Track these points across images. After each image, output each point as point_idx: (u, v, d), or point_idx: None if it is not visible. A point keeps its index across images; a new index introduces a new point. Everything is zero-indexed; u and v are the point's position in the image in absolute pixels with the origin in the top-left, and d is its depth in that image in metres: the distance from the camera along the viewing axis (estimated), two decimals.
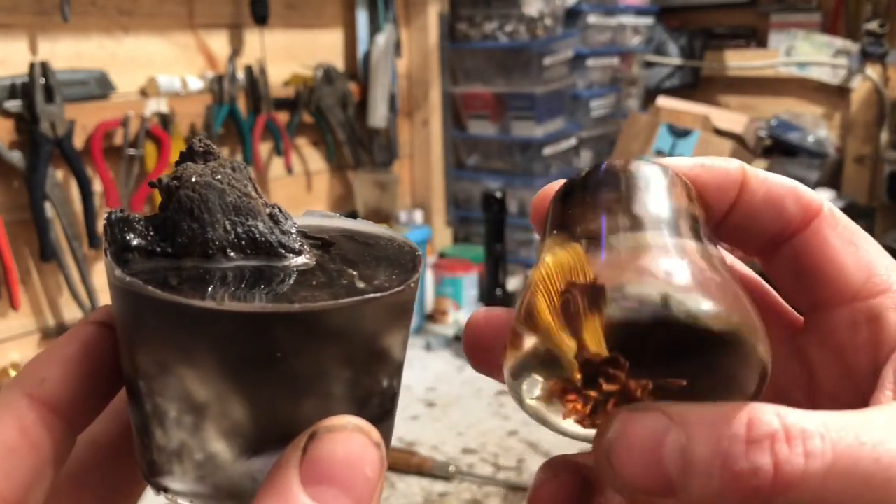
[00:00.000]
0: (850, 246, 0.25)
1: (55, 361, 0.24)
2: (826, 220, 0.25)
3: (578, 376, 0.23)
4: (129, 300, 0.23)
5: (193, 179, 0.24)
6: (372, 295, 0.23)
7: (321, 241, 0.28)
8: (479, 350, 0.28)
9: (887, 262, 0.25)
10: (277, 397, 0.23)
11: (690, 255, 0.24)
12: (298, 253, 0.26)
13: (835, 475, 0.20)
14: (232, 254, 0.25)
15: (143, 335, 0.23)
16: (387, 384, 0.25)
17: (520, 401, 0.25)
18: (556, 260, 0.25)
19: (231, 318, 0.22)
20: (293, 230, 0.26)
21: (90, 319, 0.25)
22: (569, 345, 0.23)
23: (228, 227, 0.25)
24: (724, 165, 0.27)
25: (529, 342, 0.24)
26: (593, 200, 0.26)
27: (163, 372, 0.23)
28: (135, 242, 0.24)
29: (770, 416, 0.21)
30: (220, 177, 0.25)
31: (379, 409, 0.25)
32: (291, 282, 0.25)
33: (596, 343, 0.23)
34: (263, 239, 0.25)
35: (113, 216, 0.24)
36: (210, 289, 0.23)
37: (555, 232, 0.26)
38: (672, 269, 0.23)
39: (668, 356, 0.23)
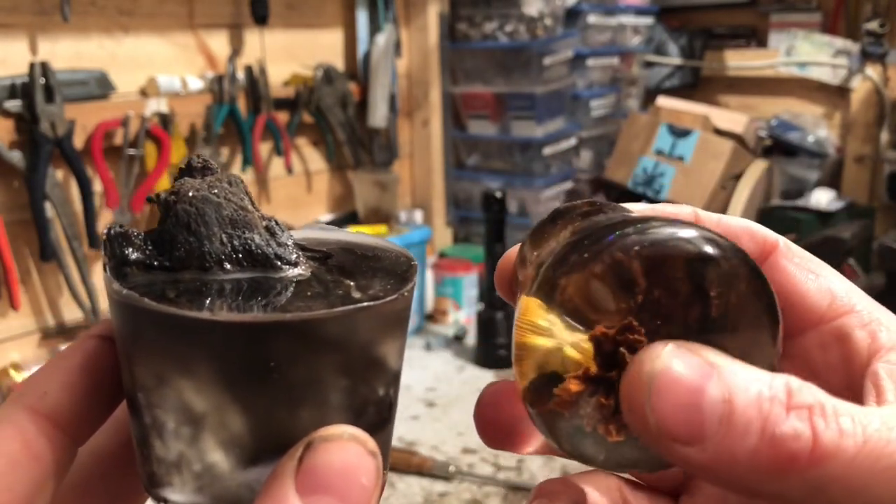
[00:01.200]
0: (809, 274, 0.26)
1: (57, 374, 0.25)
2: (783, 253, 0.27)
3: (593, 366, 0.23)
4: (127, 313, 0.23)
5: (190, 194, 0.25)
6: (365, 304, 0.23)
7: (319, 254, 0.28)
8: (493, 427, 0.28)
9: (846, 285, 0.26)
10: (273, 407, 0.23)
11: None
12: (295, 264, 0.26)
13: (864, 455, 0.20)
14: (229, 266, 0.25)
15: (140, 347, 0.23)
16: (383, 393, 0.25)
17: (552, 435, 0.25)
18: (524, 303, 0.24)
19: (225, 328, 0.22)
20: (289, 242, 0.27)
21: (92, 333, 0.26)
22: (575, 333, 0.23)
23: (225, 239, 0.25)
24: (674, 210, 0.28)
25: (536, 360, 0.24)
26: (547, 233, 0.27)
27: (161, 384, 0.23)
28: (133, 256, 0.24)
29: (806, 387, 0.21)
30: (216, 191, 0.25)
31: (376, 417, 0.25)
32: (288, 293, 0.25)
33: (609, 310, 0.23)
34: (260, 251, 0.25)
35: (112, 231, 0.24)
36: (207, 300, 0.24)
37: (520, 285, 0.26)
38: (673, 227, 0.23)
39: (680, 318, 0.23)
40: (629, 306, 0.23)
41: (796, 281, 0.26)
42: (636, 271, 0.23)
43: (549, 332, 0.23)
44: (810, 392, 0.21)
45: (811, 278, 0.26)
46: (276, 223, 0.26)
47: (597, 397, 0.23)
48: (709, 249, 0.23)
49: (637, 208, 0.28)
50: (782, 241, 0.27)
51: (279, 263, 0.26)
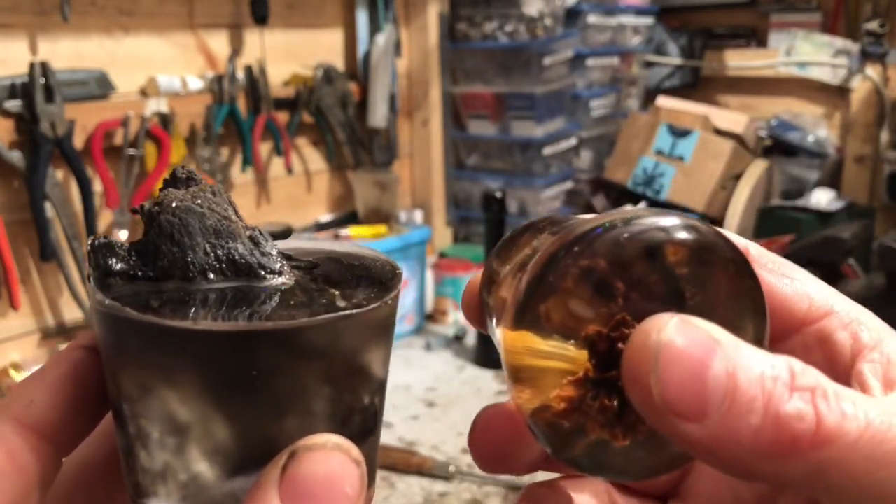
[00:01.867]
0: (784, 279, 0.26)
1: (42, 385, 0.25)
2: (756, 260, 0.26)
3: (590, 368, 0.22)
4: (110, 323, 0.23)
5: (174, 204, 0.25)
6: (347, 312, 0.24)
7: (304, 263, 0.28)
8: (488, 452, 0.28)
9: (822, 287, 0.26)
10: (257, 416, 0.23)
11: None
12: (279, 274, 0.26)
13: (865, 440, 0.20)
14: (212, 276, 0.25)
15: (124, 358, 0.23)
16: (368, 401, 0.25)
17: (554, 447, 0.24)
18: (512, 335, 0.24)
19: (206, 337, 0.22)
20: (274, 252, 0.27)
21: (78, 343, 0.26)
22: (570, 343, 0.23)
23: (208, 249, 0.25)
24: None
25: (534, 377, 0.23)
26: (516, 248, 0.27)
27: (145, 394, 0.23)
28: (117, 267, 0.24)
29: (808, 370, 0.21)
30: (200, 201, 0.25)
31: (361, 426, 0.25)
32: (272, 302, 0.25)
33: (596, 309, 0.22)
34: (243, 261, 0.26)
35: (96, 242, 0.25)
36: (191, 310, 0.24)
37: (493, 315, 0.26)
38: (657, 216, 0.23)
39: (669, 306, 0.22)
40: (615, 305, 0.22)
41: (773, 287, 0.26)
42: (614, 269, 0.22)
43: (544, 353, 0.23)
44: (812, 374, 0.20)
45: (786, 283, 0.26)
46: (261, 233, 0.27)
47: (599, 400, 0.23)
48: (689, 235, 0.22)
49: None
50: (753, 248, 0.27)
51: (263, 273, 0.26)
